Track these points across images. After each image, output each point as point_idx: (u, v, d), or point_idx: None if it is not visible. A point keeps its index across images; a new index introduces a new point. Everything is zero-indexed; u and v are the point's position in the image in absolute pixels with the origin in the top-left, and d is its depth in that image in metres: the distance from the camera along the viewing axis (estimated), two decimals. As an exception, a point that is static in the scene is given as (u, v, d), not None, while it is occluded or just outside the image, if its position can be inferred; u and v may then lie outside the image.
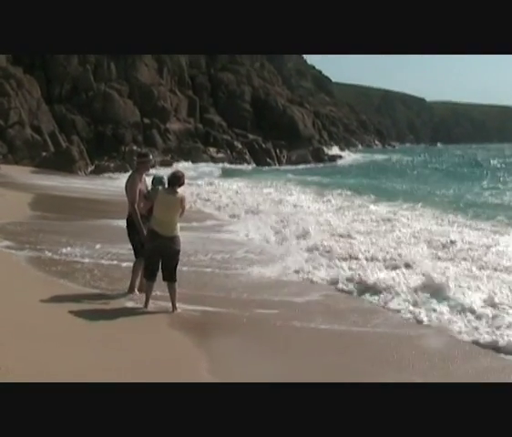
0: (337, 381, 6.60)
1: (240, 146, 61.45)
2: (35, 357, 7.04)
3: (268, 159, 60.78)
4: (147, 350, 7.72)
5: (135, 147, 48.92)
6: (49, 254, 12.76)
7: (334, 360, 7.82)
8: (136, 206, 9.84)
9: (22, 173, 36.14)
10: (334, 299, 10.84)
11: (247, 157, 59.68)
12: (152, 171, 11.43)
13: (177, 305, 9.31)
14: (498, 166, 62.60)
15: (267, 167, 56.52)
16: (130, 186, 10.02)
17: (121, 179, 24.68)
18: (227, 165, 54.58)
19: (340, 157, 73.75)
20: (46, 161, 42.83)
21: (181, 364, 7.38)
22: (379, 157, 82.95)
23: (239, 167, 54.66)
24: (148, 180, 10.23)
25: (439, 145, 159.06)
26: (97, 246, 13.60)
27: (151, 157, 10.77)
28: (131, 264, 10.22)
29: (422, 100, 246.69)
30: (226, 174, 44.20)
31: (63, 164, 42.01)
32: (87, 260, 12.38)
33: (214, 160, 54.31)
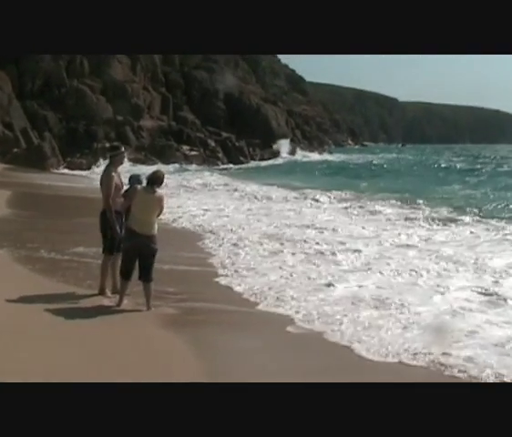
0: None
1: (213, 144, 61.32)
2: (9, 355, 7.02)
3: (241, 157, 60.81)
4: (126, 348, 7.72)
5: (107, 144, 48.53)
6: (30, 252, 12.77)
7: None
8: (110, 200, 9.77)
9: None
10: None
11: (220, 155, 59.62)
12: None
13: (151, 305, 9.30)
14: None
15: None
16: (105, 180, 9.95)
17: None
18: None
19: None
20: (17, 158, 42.40)
21: (161, 362, 7.39)
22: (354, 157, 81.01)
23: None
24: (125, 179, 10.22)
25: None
26: (80, 245, 13.55)
27: (123, 149, 10.60)
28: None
29: (394, 100, 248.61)
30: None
31: (35, 161, 41.65)
32: (66, 258, 12.38)
33: (187, 158, 54.12)
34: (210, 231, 16.82)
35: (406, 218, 20.15)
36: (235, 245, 14.69)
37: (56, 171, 41.22)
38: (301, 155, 74.01)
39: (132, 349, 7.78)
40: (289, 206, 24.23)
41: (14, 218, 18.02)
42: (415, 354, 7.73)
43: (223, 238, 15.58)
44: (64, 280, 10.74)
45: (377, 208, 22.89)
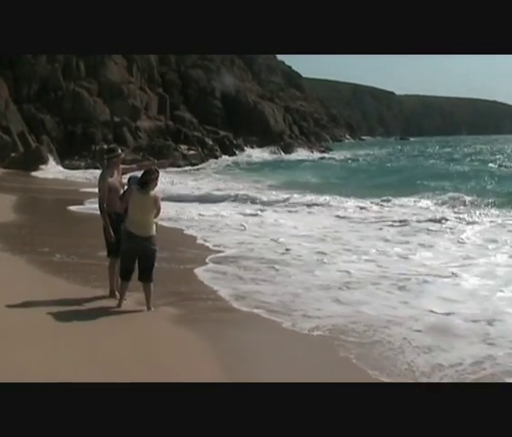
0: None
1: (211, 142, 61.39)
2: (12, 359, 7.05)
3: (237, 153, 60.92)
4: (124, 348, 7.75)
5: (105, 146, 48.53)
6: (41, 256, 12.84)
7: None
8: (104, 204, 9.78)
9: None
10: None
11: (218, 153, 59.69)
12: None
13: (151, 305, 9.33)
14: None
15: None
16: (101, 183, 9.96)
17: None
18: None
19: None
20: (15, 162, 42.40)
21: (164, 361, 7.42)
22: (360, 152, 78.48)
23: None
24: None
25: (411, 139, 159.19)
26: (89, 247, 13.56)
27: (120, 150, 10.51)
28: None
29: (391, 94, 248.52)
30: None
31: (33, 164, 41.66)
32: (76, 260, 12.50)
33: (185, 157, 54.09)
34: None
35: None
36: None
37: (52, 172, 41.10)
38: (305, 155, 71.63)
39: (140, 348, 7.82)
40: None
41: (22, 223, 18.06)
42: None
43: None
44: (74, 282, 10.82)
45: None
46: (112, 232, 9.73)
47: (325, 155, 72.71)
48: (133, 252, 9.29)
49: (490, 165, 49.09)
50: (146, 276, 9.31)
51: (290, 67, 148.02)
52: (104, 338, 8.15)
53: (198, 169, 48.24)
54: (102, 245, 10.22)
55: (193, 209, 21.64)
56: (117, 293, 9.75)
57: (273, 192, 28.47)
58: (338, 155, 72.21)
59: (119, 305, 9.40)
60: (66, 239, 15.50)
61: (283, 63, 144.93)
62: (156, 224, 9.45)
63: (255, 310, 9.56)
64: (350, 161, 61.53)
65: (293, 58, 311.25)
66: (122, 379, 6.35)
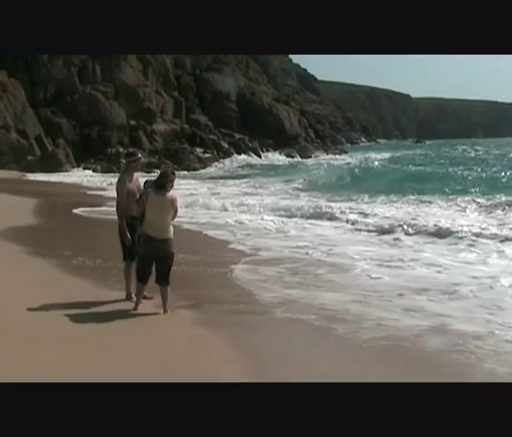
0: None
1: (226, 145, 61.55)
2: (26, 359, 7.03)
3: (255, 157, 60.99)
4: (144, 351, 7.71)
5: (121, 149, 48.78)
6: (63, 259, 12.91)
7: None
8: (121, 208, 9.73)
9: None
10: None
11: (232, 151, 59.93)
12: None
13: (167, 308, 9.28)
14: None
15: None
16: (119, 187, 9.93)
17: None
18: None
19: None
20: (32, 165, 42.73)
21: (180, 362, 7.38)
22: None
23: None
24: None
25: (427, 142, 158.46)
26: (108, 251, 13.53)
27: (140, 155, 10.51)
28: None
29: (407, 96, 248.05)
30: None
31: (49, 167, 41.94)
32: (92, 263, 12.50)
33: (201, 161, 54.20)
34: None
35: None
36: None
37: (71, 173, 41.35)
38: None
39: (155, 349, 7.78)
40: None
41: (43, 227, 18.16)
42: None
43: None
44: (91, 285, 10.83)
45: None
46: (124, 236, 9.70)
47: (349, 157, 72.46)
48: (150, 255, 9.23)
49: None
50: (163, 279, 9.25)
51: (305, 70, 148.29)
52: (118, 339, 8.12)
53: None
54: (118, 248, 10.20)
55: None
56: (133, 296, 9.71)
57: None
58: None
59: (136, 308, 9.35)
60: (83, 242, 15.54)
61: (299, 66, 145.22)
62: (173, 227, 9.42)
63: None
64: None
65: (309, 62, 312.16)
66: (134, 380, 6.30)
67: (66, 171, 43.07)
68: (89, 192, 31.08)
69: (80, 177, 41.44)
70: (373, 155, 76.77)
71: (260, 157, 62.24)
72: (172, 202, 9.23)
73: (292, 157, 66.62)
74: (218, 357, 7.59)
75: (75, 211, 21.98)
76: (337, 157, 74.09)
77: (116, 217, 10.02)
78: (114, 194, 10.60)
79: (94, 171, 44.87)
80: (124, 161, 10.49)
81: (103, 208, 22.10)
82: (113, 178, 30.11)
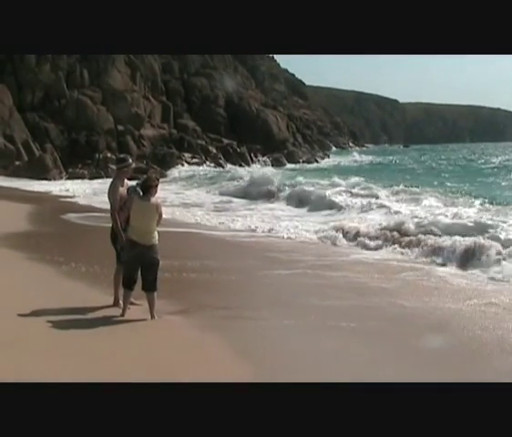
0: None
1: (214, 150, 61.38)
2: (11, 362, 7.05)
3: (242, 163, 60.85)
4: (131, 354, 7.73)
5: (109, 154, 48.65)
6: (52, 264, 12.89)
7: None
8: (116, 213, 9.76)
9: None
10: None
11: (221, 161, 59.69)
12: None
13: (155, 313, 9.29)
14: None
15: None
16: (112, 193, 9.95)
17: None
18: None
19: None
20: (19, 170, 42.51)
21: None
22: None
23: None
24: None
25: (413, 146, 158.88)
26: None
27: (130, 160, 10.57)
28: None
29: (395, 101, 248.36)
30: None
31: (36, 173, 41.75)
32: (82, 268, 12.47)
33: (189, 166, 54.05)
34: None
35: None
36: None
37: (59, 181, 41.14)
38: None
39: (141, 352, 7.80)
40: None
41: (37, 233, 18.11)
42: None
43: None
44: (79, 290, 10.87)
45: None
46: (121, 240, 9.70)
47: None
48: (135, 261, 9.26)
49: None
50: (149, 285, 9.27)
51: (293, 75, 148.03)
52: (104, 345, 8.14)
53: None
54: (106, 254, 10.21)
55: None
56: (120, 302, 9.72)
57: None
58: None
59: (123, 314, 9.38)
60: (73, 247, 15.55)
61: (287, 71, 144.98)
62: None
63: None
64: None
65: (297, 66, 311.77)
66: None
67: (54, 179, 42.67)
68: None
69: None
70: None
71: (248, 165, 61.93)
72: (157, 207, 9.26)
73: (281, 162, 66.57)
74: (206, 359, 7.66)
75: (63, 217, 21.96)
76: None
77: (104, 224, 10.04)
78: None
79: (81, 178, 44.16)
80: (115, 167, 10.50)
81: (91, 214, 22.11)
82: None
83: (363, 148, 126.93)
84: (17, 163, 43.60)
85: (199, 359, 7.77)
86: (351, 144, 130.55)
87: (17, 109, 49.20)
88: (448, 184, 35.66)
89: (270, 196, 29.30)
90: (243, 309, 10.27)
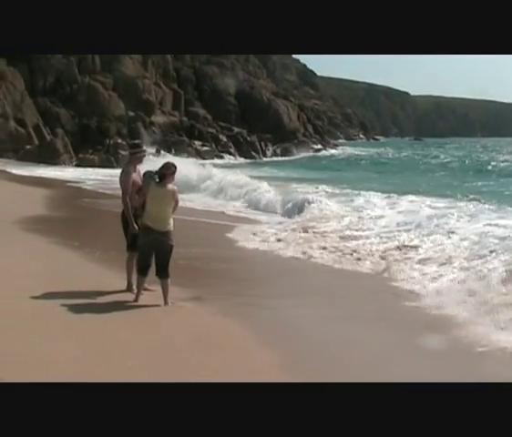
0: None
1: (224, 139, 61.41)
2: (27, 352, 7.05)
3: (253, 152, 60.91)
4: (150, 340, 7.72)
5: (119, 141, 48.73)
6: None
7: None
8: (128, 198, 9.74)
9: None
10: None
11: (232, 150, 59.76)
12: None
13: (168, 300, 9.28)
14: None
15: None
16: (124, 178, 9.92)
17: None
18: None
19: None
20: (29, 154, 42.68)
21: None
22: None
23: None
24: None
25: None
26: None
27: (144, 147, 10.56)
28: None
29: (406, 94, 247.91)
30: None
31: (47, 157, 41.90)
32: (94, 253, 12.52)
33: (199, 154, 54.10)
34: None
35: None
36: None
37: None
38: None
39: (155, 340, 7.79)
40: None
41: (55, 218, 18.28)
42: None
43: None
44: (92, 274, 10.87)
45: None
46: (131, 226, 9.69)
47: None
48: (150, 247, 9.23)
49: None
50: (162, 271, 9.25)
51: (304, 66, 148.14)
52: (118, 330, 8.14)
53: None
54: (118, 240, 10.19)
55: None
56: (134, 288, 9.71)
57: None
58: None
59: (136, 300, 9.36)
60: (89, 232, 15.74)
61: (298, 61, 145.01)
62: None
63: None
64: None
65: (308, 57, 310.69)
66: (129, 372, 6.32)
67: (64, 164, 42.80)
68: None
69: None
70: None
71: (258, 154, 61.92)
72: (173, 194, 9.23)
73: (290, 152, 66.63)
74: (223, 347, 7.64)
75: (77, 202, 22.10)
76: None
77: (116, 209, 10.03)
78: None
79: (91, 164, 44.10)
80: (128, 152, 10.48)
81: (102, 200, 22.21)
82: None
83: (370, 141, 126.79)
84: (28, 147, 43.72)
85: (215, 347, 7.74)
86: (361, 136, 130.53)
87: (29, 94, 49.32)
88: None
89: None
90: (260, 298, 10.25)
